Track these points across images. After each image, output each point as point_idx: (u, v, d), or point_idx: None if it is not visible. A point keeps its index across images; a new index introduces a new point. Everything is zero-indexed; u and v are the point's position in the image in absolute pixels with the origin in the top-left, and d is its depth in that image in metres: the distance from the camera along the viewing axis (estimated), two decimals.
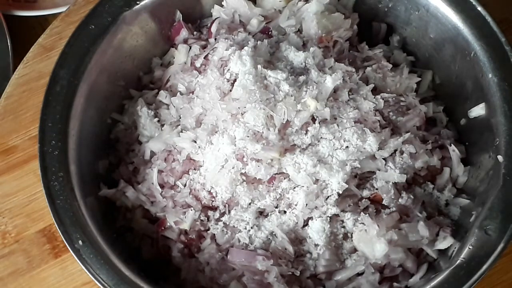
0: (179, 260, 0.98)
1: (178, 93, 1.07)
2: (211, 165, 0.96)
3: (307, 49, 1.04)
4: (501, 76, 0.98)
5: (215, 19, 1.12)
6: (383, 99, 1.02)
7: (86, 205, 0.95)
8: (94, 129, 1.05)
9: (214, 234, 0.97)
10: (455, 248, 0.95)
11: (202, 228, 0.97)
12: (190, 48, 1.11)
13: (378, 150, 0.98)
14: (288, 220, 0.96)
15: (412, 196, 0.99)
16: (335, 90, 0.99)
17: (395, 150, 0.99)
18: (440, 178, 1.03)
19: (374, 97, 1.02)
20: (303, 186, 0.95)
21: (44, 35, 1.18)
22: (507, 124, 0.97)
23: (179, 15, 1.13)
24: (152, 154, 1.04)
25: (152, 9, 1.09)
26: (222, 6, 1.14)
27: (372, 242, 0.95)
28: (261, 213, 0.98)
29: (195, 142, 1.00)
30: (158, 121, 1.06)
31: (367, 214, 0.95)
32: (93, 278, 0.89)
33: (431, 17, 1.08)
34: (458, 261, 0.89)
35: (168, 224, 0.98)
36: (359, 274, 0.96)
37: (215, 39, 1.09)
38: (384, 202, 0.97)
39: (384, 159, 0.99)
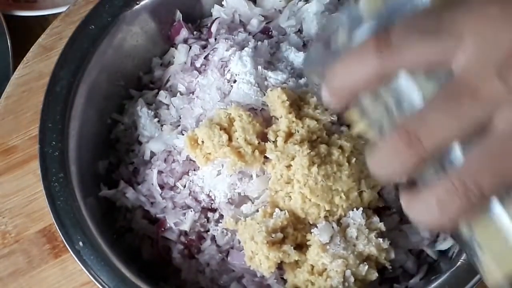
0: (179, 261, 0.97)
1: (178, 93, 1.06)
2: (208, 168, 0.96)
3: (307, 49, 1.03)
4: None
5: (215, 19, 1.11)
6: None
7: (86, 205, 0.94)
8: (94, 129, 1.05)
9: (214, 236, 0.96)
10: (455, 249, 0.94)
11: (202, 229, 0.97)
12: (190, 48, 1.10)
13: None
14: None
15: None
16: None
17: None
18: None
19: None
20: None
21: (44, 35, 1.18)
22: None
23: (179, 14, 1.12)
24: (152, 154, 1.03)
25: (152, 9, 1.09)
26: (222, 5, 1.14)
27: None
28: None
29: None
30: (158, 121, 1.06)
31: None
32: (93, 280, 0.88)
33: None
34: (459, 263, 0.89)
35: (168, 225, 0.97)
36: None
37: (215, 39, 1.08)
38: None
39: None
